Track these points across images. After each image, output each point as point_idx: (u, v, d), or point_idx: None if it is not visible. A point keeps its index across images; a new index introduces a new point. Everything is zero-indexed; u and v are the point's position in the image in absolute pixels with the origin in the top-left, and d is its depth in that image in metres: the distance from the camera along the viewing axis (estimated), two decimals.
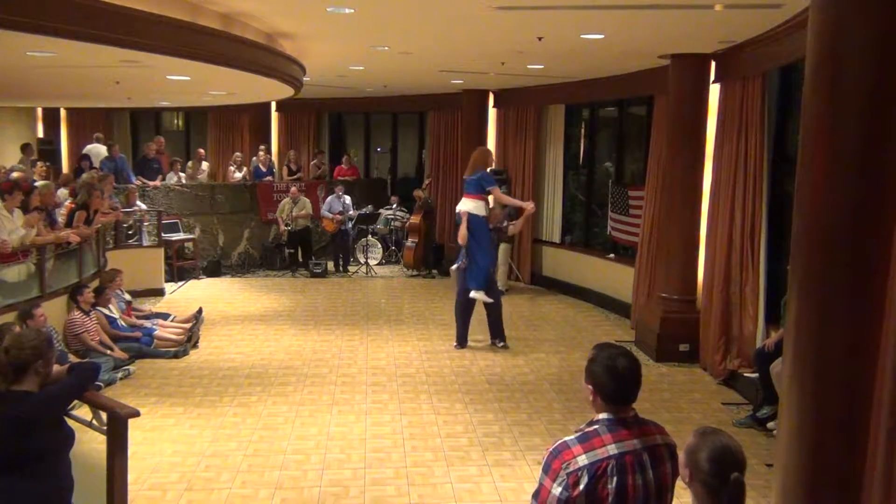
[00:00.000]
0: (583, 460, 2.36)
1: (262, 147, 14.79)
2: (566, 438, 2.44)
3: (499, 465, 5.46)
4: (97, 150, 13.18)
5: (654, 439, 2.50)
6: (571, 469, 2.35)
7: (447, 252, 13.02)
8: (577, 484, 2.35)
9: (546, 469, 2.41)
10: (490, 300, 8.18)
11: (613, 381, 2.44)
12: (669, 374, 7.72)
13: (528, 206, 8.30)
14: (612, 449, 2.39)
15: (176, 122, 17.57)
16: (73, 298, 7.69)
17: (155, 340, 8.16)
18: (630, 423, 2.47)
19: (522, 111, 12.21)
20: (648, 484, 2.43)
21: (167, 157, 13.67)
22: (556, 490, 2.36)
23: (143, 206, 11.55)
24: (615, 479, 2.37)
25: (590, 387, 2.49)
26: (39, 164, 11.77)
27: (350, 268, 12.98)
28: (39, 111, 16.09)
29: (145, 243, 11.14)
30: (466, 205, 7.97)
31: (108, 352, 7.54)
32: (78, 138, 15.57)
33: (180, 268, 11.97)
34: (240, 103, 14.22)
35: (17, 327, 6.12)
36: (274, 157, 15.15)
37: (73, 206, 8.77)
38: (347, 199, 13.12)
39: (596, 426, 2.45)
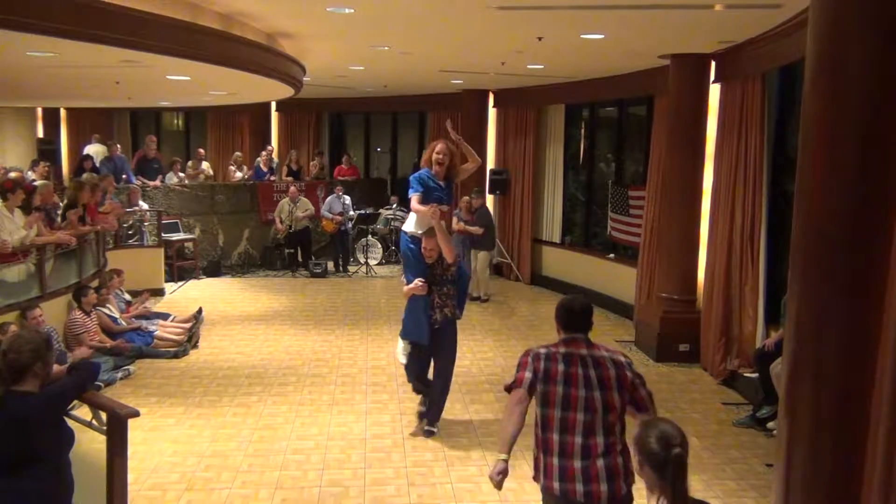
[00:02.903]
0: (542, 350, 3.37)
1: (269, 147, 14.76)
2: None
3: None
4: (96, 151, 13.18)
5: (599, 352, 3.35)
6: (533, 354, 3.36)
7: None
8: (537, 360, 3.33)
9: (517, 367, 3.38)
10: (404, 361, 5.91)
11: (568, 314, 3.44)
12: (669, 374, 7.72)
13: (428, 211, 5.59)
14: (562, 349, 3.36)
15: (176, 122, 17.57)
16: (77, 299, 7.70)
17: (155, 340, 8.17)
18: (580, 342, 3.37)
19: (522, 111, 12.21)
20: (590, 377, 3.27)
21: (160, 156, 13.65)
22: (527, 375, 3.32)
23: (146, 206, 11.56)
24: (561, 365, 3.30)
25: (556, 322, 3.48)
26: (41, 164, 11.77)
27: (350, 268, 12.98)
28: (39, 111, 16.10)
29: (147, 243, 11.15)
30: (411, 216, 5.96)
31: (109, 345, 7.54)
32: (78, 138, 15.59)
33: (180, 268, 11.96)
34: (240, 103, 14.21)
35: (14, 326, 6.15)
36: (275, 157, 15.13)
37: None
38: (347, 199, 13.12)
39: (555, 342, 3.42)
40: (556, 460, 3.24)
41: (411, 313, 5.80)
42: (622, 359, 3.34)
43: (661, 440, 2.35)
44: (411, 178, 5.89)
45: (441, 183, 5.83)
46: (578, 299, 3.52)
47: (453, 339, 5.91)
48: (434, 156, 5.83)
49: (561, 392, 3.26)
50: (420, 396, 6.17)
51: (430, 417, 5.97)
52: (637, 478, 2.68)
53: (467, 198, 10.91)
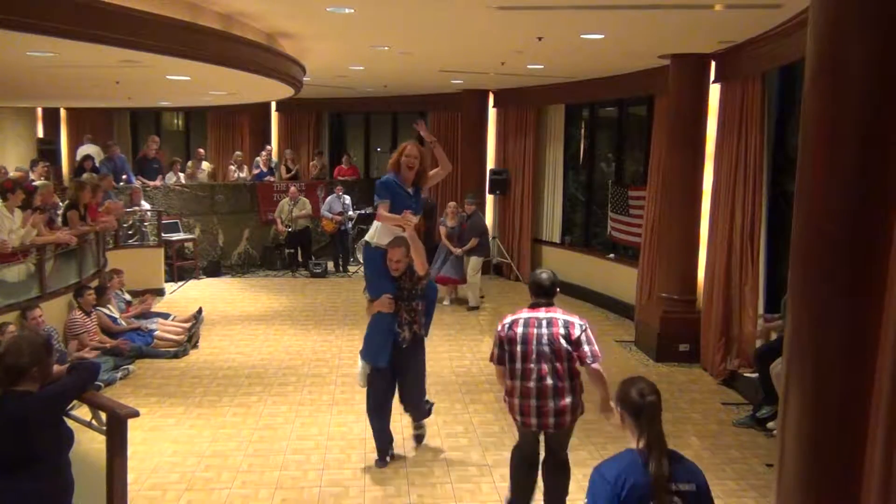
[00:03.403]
0: (507, 319, 4.32)
1: (269, 147, 14.76)
2: None
3: (499, 465, 5.45)
4: (90, 152, 13.17)
5: (555, 313, 4.28)
6: (500, 326, 4.34)
7: None
8: (502, 330, 4.29)
9: (494, 341, 4.35)
10: (362, 384, 5.45)
11: (534, 284, 4.41)
12: (669, 374, 7.72)
13: (402, 220, 5.15)
14: (525, 313, 4.30)
15: (176, 122, 17.56)
16: (77, 299, 7.70)
17: (155, 340, 8.17)
18: (540, 306, 4.32)
19: (522, 111, 12.21)
20: (542, 334, 4.20)
21: (163, 156, 13.66)
22: (496, 350, 4.33)
23: (147, 206, 11.56)
24: (521, 327, 4.24)
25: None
26: (40, 164, 11.77)
27: (350, 268, 12.97)
28: (39, 111, 16.09)
29: (150, 243, 11.15)
30: (376, 225, 5.39)
31: (109, 345, 7.54)
32: (78, 138, 15.56)
33: (180, 268, 11.97)
34: (240, 103, 14.21)
35: (13, 327, 6.15)
36: (275, 157, 15.13)
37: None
38: (347, 199, 13.12)
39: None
40: (517, 400, 4.28)
41: (376, 332, 5.25)
42: (575, 321, 4.25)
43: (638, 393, 2.79)
44: (377, 183, 5.32)
45: (409, 189, 5.29)
46: (545, 272, 4.46)
47: (422, 357, 5.43)
48: (403, 159, 5.25)
49: (520, 350, 4.23)
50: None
51: (415, 419, 5.66)
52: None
53: (453, 203, 10.76)
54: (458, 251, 10.26)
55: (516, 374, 4.23)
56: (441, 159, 5.45)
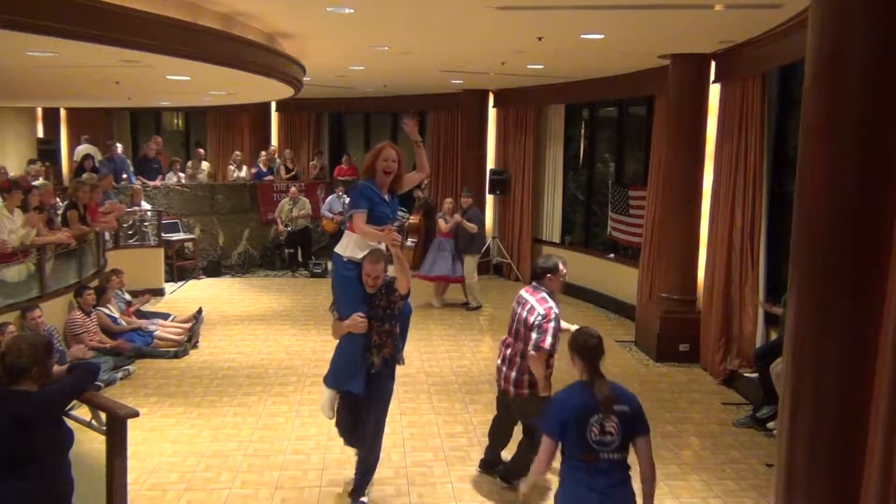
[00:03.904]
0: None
1: (272, 147, 14.78)
2: None
3: None
4: (89, 151, 13.18)
5: (532, 297, 4.72)
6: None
7: None
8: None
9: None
10: (332, 416, 4.90)
11: (531, 268, 5.12)
12: (669, 374, 7.72)
13: (385, 236, 4.57)
14: (521, 292, 4.89)
15: (176, 122, 17.56)
16: (77, 299, 7.70)
17: (155, 340, 8.17)
18: (531, 288, 4.80)
19: (522, 111, 12.21)
20: (517, 313, 4.78)
21: (164, 157, 13.66)
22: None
23: (148, 207, 11.57)
24: (514, 302, 4.90)
25: None
26: (38, 163, 11.77)
27: None
28: (39, 111, 16.09)
29: (150, 243, 11.16)
30: (349, 236, 4.74)
31: (109, 346, 7.54)
32: (78, 138, 15.57)
33: (180, 268, 11.97)
34: (240, 103, 14.21)
35: (13, 327, 6.15)
36: (276, 157, 15.13)
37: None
38: (347, 199, 13.10)
39: None
40: (497, 362, 4.96)
41: (345, 356, 4.72)
42: (538, 308, 4.60)
43: (583, 338, 3.48)
44: (356, 193, 4.73)
45: (385, 196, 4.71)
46: (543, 257, 4.92)
47: (389, 388, 4.80)
48: (381, 164, 4.66)
49: (510, 323, 4.87)
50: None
51: (357, 487, 4.82)
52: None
53: (450, 199, 10.66)
54: (470, 226, 10.04)
55: (503, 342, 4.94)
56: (421, 162, 4.93)
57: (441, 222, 10.44)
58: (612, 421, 3.28)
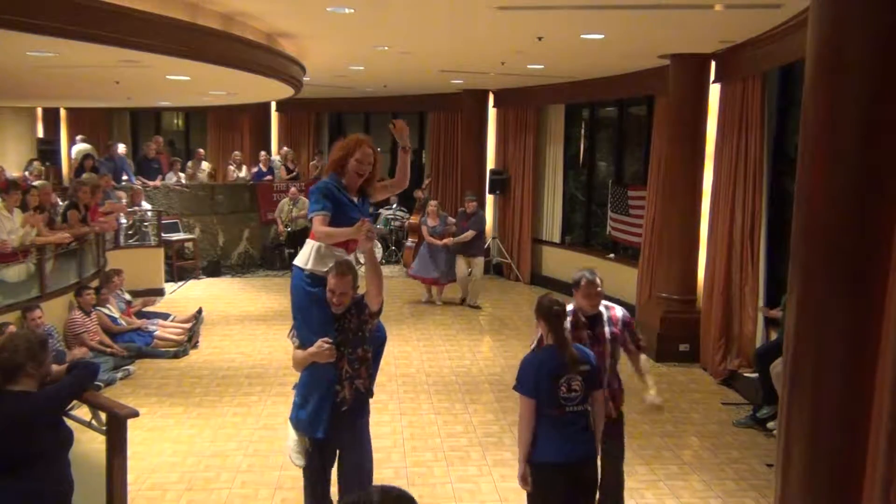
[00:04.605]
0: None
1: (263, 154, 14.78)
2: None
3: (499, 465, 5.46)
4: (85, 150, 13.18)
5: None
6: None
7: None
8: None
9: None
10: (301, 463, 4.03)
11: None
12: (669, 374, 7.72)
13: (355, 232, 3.78)
14: None
15: (176, 122, 17.56)
16: (77, 299, 7.70)
17: (155, 340, 8.17)
18: None
19: (522, 111, 12.21)
20: None
21: (167, 157, 13.66)
22: None
23: (148, 206, 11.56)
24: None
25: None
26: (37, 163, 11.77)
27: None
28: (39, 111, 16.09)
29: (150, 243, 11.16)
30: (310, 245, 4.09)
31: (108, 350, 7.54)
32: (85, 138, 15.57)
33: (180, 268, 11.96)
34: (240, 103, 14.21)
35: (14, 328, 6.15)
36: (276, 156, 15.12)
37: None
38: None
39: None
40: None
41: (310, 391, 3.99)
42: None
43: (549, 303, 3.78)
44: (312, 189, 4.00)
45: (354, 198, 4.02)
46: (575, 273, 4.59)
47: (366, 424, 4.08)
48: (354, 164, 3.96)
49: None
50: None
51: None
52: None
53: (435, 202, 10.68)
54: (467, 234, 10.16)
55: None
56: (404, 171, 4.26)
57: (424, 229, 10.45)
58: (577, 379, 3.69)
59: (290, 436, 4.07)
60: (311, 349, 3.92)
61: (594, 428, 3.85)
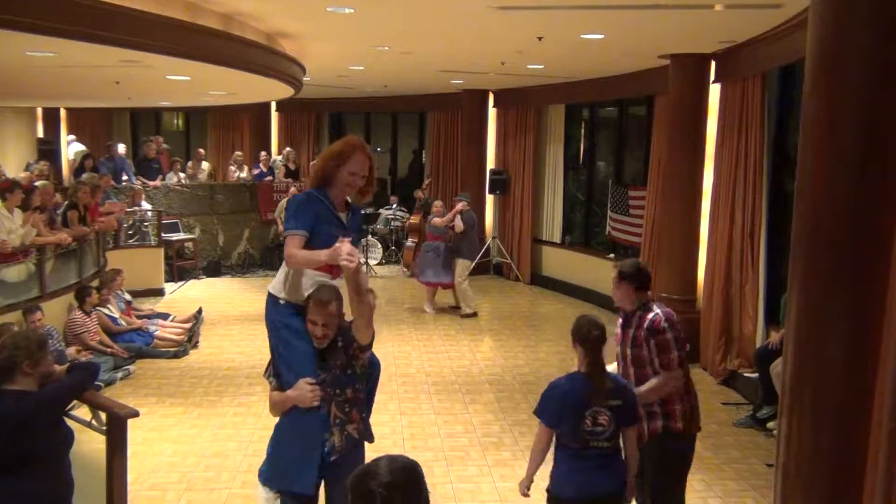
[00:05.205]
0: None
1: (263, 154, 14.80)
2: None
3: (499, 465, 5.46)
4: (80, 149, 13.17)
5: None
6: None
7: None
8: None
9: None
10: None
11: None
12: None
13: (337, 256, 3.03)
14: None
15: (176, 122, 17.56)
16: (79, 299, 7.70)
17: (155, 340, 8.17)
18: None
19: (522, 111, 12.21)
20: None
21: (167, 156, 13.66)
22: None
23: (149, 207, 11.56)
24: None
25: None
26: (42, 163, 11.76)
27: None
28: (39, 111, 16.08)
29: (150, 243, 11.16)
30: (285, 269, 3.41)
31: (108, 350, 7.54)
32: (78, 138, 15.57)
33: (180, 268, 11.96)
34: (240, 103, 14.21)
35: (15, 328, 6.15)
36: (277, 156, 15.12)
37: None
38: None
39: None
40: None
41: (291, 443, 3.32)
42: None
43: (586, 327, 3.42)
44: (289, 203, 3.45)
45: (341, 214, 3.43)
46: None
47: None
48: (347, 176, 3.35)
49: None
50: None
51: None
52: None
53: (440, 202, 10.40)
54: (457, 223, 9.76)
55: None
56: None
57: (436, 220, 10.24)
58: (605, 414, 3.39)
59: (260, 496, 3.38)
60: (291, 392, 3.27)
61: (627, 463, 3.53)
